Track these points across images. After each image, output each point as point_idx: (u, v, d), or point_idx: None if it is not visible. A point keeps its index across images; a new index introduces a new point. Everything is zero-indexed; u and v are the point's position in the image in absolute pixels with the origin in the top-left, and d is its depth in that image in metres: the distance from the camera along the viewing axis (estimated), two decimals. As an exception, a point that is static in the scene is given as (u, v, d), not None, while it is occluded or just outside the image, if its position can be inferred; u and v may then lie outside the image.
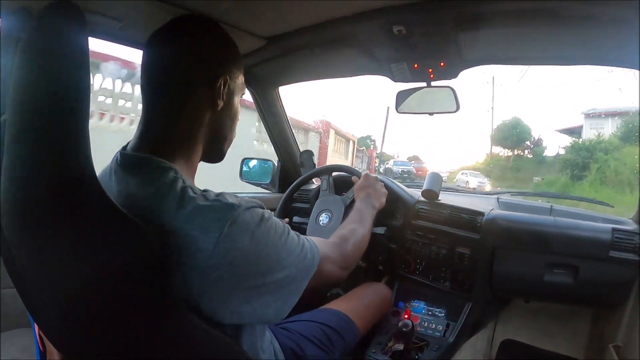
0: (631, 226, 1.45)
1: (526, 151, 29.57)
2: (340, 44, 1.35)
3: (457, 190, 2.34)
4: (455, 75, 1.44)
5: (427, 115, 1.55)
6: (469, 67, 1.42)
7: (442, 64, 1.38)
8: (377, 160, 25.11)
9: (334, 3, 1.13)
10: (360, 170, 1.46)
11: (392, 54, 1.37)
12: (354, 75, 1.65)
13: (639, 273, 1.37)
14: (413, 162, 33.13)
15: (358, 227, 1.08)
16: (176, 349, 0.67)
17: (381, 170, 24.87)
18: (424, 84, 1.50)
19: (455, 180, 22.92)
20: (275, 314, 0.75)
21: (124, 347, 0.64)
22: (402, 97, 1.58)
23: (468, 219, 1.60)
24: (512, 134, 28.38)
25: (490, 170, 27.14)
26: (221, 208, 0.68)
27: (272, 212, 0.78)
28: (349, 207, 1.45)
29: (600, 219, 1.56)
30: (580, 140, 19.45)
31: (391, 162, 28.66)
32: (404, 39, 1.24)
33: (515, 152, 29.48)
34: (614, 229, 1.41)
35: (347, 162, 14.91)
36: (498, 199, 1.89)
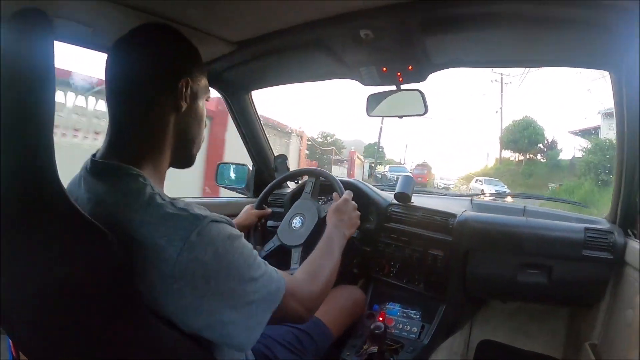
0: (604, 225, 1.46)
1: (539, 155, 27.35)
2: (309, 49, 1.36)
3: (431, 192, 2.37)
4: (424, 79, 1.45)
5: (397, 118, 1.57)
6: (437, 70, 1.43)
7: (410, 67, 1.39)
8: (366, 164, 24.90)
9: (301, 8, 1.14)
10: (345, 190, 1.40)
11: (361, 57, 1.38)
12: (324, 79, 1.65)
13: (612, 271, 1.39)
14: (421, 168, 31.71)
15: (327, 262, 1.02)
16: (141, 354, 0.67)
17: (378, 175, 23.96)
18: (394, 87, 1.51)
19: (469, 189, 20.33)
20: (237, 340, 0.72)
21: (90, 353, 0.64)
22: (372, 100, 1.59)
23: (440, 221, 1.61)
24: (524, 136, 26.28)
25: (500, 177, 24.61)
26: (188, 218, 0.67)
27: (242, 234, 0.76)
28: (321, 220, 1.43)
29: (573, 219, 1.59)
30: (606, 138, 17.17)
31: (387, 167, 27.42)
32: (371, 43, 1.25)
33: (527, 156, 27.29)
34: (586, 228, 1.42)
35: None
36: (472, 200, 1.92)
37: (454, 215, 1.60)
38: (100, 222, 0.60)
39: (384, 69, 1.41)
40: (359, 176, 16.97)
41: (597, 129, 19.57)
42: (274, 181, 1.74)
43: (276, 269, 0.80)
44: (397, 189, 1.73)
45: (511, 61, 1.45)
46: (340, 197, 1.35)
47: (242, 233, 0.76)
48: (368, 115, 1.61)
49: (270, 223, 1.70)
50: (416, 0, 1.06)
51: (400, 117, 1.57)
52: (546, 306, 1.80)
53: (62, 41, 1.16)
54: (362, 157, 25.46)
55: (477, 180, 22.42)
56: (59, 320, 0.62)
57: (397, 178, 1.88)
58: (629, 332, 1.13)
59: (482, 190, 16.56)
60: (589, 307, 1.50)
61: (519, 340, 1.84)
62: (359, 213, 1.30)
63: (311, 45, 1.34)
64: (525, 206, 1.76)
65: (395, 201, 1.76)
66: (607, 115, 18.34)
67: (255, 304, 0.73)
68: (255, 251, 0.77)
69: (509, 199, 2.29)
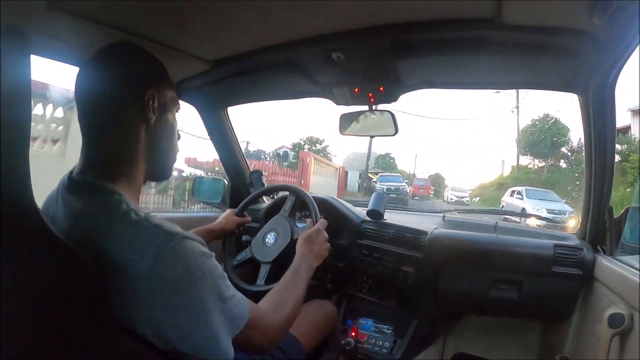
0: (574, 241, 1.50)
1: (562, 161, 22.65)
2: (283, 69, 1.38)
3: (405, 209, 2.41)
4: (395, 99, 1.49)
5: (368, 137, 1.61)
6: (408, 91, 1.47)
7: (381, 88, 1.43)
8: (352, 174, 24.02)
9: (274, 30, 1.17)
10: (320, 217, 1.41)
11: (333, 78, 1.41)
12: (298, 98, 1.68)
13: (582, 286, 1.43)
14: (422, 179, 30.46)
15: (292, 294, 1.03)
16: None
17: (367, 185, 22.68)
18: (366, 107, 1.55)
19: (502, 206, 14.75)
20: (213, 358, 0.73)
21: None
22: (345, 119, 1.63)
23: (411, 238, 1.64)
24: (545, 138, 21.80)
25: (510, 185, 19.26)
26: (160, 234, 0.69)
27: (213, 254, 0.77)
28: (293, 242, 1.42)
29: (544, 235, 1.64)
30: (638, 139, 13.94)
31: (377, 177, 24.34)
32: (343, 65, 1.28)
33: (550, 162, 22.73)
34: (555, 245, 1.47)
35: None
36: (444, 217, 1.95)
37: (425, 233, 1.63)
38: (77, 239, 0.62)
39: (356, 89, 1.44)
40: (322, 186, 15.38)
41: (627, 129, 15.23)
42: (259, 190, 1.74)
43: (243, 296, 0.82)
44: (369, 206, 1.76)
45: (481, 83, 1.49)
46: (314, 224, 1.35)
47: (213, 253, 0.77)
48: (341, 134, 1.64)
49: (244, 238, 1.71)
50: (386, 25, 1.11)
51: (372, 136, 1.60)
52: (520, 320, 1.84)
53: (38, 55, 1.17)
54: (335, 164, 21.35)
55: (514, 192, 15.18)
56: (33, 339, 0.62)
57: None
58: (598, 346, 1.16)
59: (524, 209, 11.98)
60: (560, 321, 1.54)
61: (493, 353, 1.86)
62: (328, 245, 1.30)
63: (284, 65, 1.37)
64: (497, 222, 1.80)
65: (368, 218, 1.78)
66: (637, 112, 15.25)
67: (219, 325, 0.73)
68: (225, 274, 0.78)
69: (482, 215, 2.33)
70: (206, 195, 2.17)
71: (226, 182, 2.12)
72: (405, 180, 27.03)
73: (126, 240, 0.68)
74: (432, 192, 29.77)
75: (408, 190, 20.44)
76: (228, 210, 1.64)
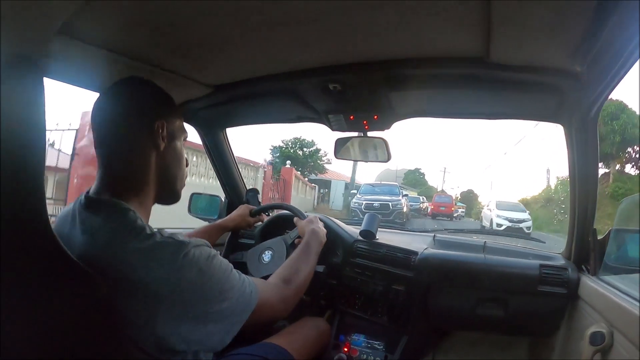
0: (559, 262, 1.55)
1: (629, 165, 15.78)
2: (281, 96, 1.45)
3: (397, 229, 2.44)
4: (388, 127, 1.56)
5: (363, 162, 1.67)
6: (400, 120, 1.54)
7: (375, 116, 1.49)
8: (338, 186, 22.58)
9: (275, 60, 1.23)
10: (306, 214, 1.54)
11: (329, 106, 1.48)
12: (295, 122, 1.74)
13: (567, 305, 1.47)
14: (443, 196, 26.36)
15: (303, 265, 1.17)
16: None
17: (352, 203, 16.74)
18: (361, 134, 1.61)
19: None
20: (218, 341, 0.84)
21: None
22: (340, 143, 1.69)
23: (402, 257, 1.68)
24: (612, 131, 14.94)
25: (563, 202, 14.48)
26: (174, 244, 0.79)
27: (219, 252, 0.87)
28: (290, 247, 1.52)
29: (531, 255, 1.68)
30: None
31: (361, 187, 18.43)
32: (339, 94, 1.34)
33: (616, 167, 16.04)
34: (541, 265, 1.51)
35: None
36: (434, 237, 1.98)
37: (415, 253, 1.67)
38: (95, 252, 0.69)
39: (351, 117, 1.51)
40: (300, 202, 15.11)
41: None
42: (277, 203, 1.79)
43: (249, 277, 0.92)
44: (362, 227, 1.80)
45: (471, 114, 1.56)
46: (302, 221, 1.49)
47: (218, 252, 0.88)
48: (335, 157, 1.71)
49: (234, 257, 1.75)
50: (381, 61, 1.18)
51: (366, 161, 1.66)
52: (508, 335, 1.86)
53: (50, 78, 1.21)
54: (310, 184, 19.91)
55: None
56: (47, 351, 0.66)
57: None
58: None
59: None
60: (546, 337, 1.57)
61: None
62: (325, 230, 1.45)
63: (283, 93, 1.43)
64: (485, 242, 1.82)
65: (360, 238, 1.83)
66: None
67: (232, 308, 0.85)
68: (231, 265, 0.89)
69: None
70: (203, 211, 2.19)
71: (223, 199, 2.16)
72: (422, 198, 24.64)
73: (144, 250, 0.76)
74: (463, 211, 25.87)
75: (404, 208, 14.65)
76: (242, 208, 1.73)
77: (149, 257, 0.76)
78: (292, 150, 27.49)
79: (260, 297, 0.91)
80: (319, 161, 28.44)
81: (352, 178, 22.18)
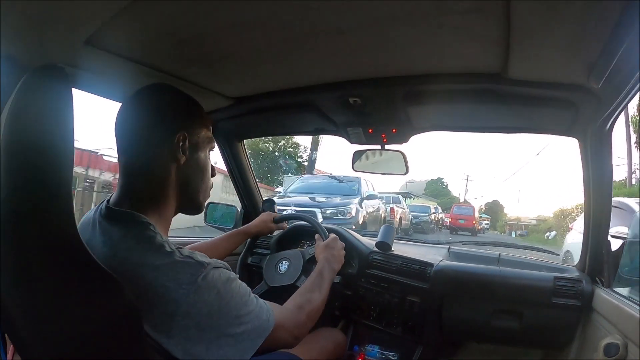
0: (573, 274, 1.54)
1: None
2: (300, 108, 1.47)
3: (412, 240, 2.43)
4: (406, 140, 1.57)
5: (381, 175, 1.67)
6: (418, 133, 1.55)
7: (394, 130, 1.51)
8: None
9: (295, 74, 1.26)
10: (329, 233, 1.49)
11: (348, 119, 1.49)
12: (313, 134, 1.78)
13: (581, 317, 1.46)
14: (462, 207, 22.68)
15: (316, 295, 1.12)
16: None
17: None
18: (379, 147, 1.62)
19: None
20: None
21: None
22: (357, 156, 1.71)
23: (418, 269, 1.68)
24: None
25: None
26: (194, 264, 0.77)
27: (237, 275, 0.85)
28: (307, 262, 1.52)
29: (545, 268, 1.67)
30: None
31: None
32: (359, 108, 1.36)
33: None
34: (555, 277, 1.50)
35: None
36: (449, 249, 1.98)
37: (431, 265, 1.67)
38: (114, 264, 0.69)
39: (370, 130, 1.52)
40: None
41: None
42: (303, 215, 1.79)
43: (266, 302, 0.90)
44: (378, 238, 1.81)
45: (487, 128, 1.57)
46: (323, 239, 1.44)
47: (237, 275, 0.85)
48: (353, 169, 1.72)
49: (253, 259, 1.78)
50: (400, 76, 1.19)
51: (383, 174, 1.67)
52: (521, 347, 1.85)
53: (78, 89, 1.25)
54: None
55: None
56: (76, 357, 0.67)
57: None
58: None
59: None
60: (559, 349, 1.56)
61: None
62: (344, 252, 1.39)
63: (303, 105, 1.45)
64: (500, 254, 1.83)
65: (376, 249, 1.83)
66: None
67: (248, 334, 0.82)
68: (249, 289, 0.86)
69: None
70: (219, 220, 2.22)
71: (239, 209, 2.18)
72: (433, 207, 20.98)
73: (163, 269, 0.75)
74: (487, 223, 22.73)
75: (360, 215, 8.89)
76: (265, 215, 1.71)
77: (168, 276, 0.75)
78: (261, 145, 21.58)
79: (276, 323, 0.88)
80: (296, 158, 22.91)
81: (310, 162, 13.16)
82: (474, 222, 21.10)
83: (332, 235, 1.44)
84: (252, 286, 1.49)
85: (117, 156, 0.89)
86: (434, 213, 20.13)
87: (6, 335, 0.85)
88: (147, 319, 0.72)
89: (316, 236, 1.52)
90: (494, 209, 34.62)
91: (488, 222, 25.45)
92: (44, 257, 0.61)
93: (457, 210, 21.55)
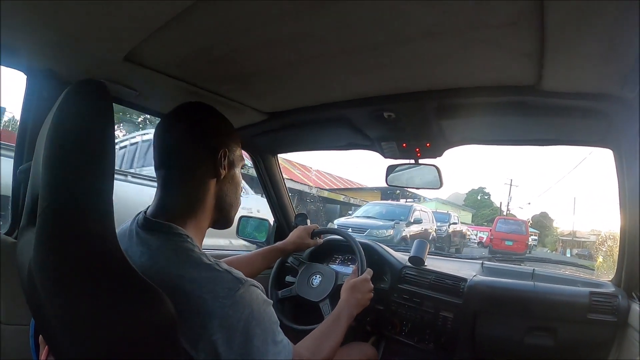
0: (609, 289, 1.49)
1: None
2: (334, 123, 1.48)
3: (445, 255, 2.39)
4: (440, 154, 1.55)
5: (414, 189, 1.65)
6: (452, 147, 1.53)
7: (428, 144, 1.49)
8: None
9: (329, 89, 1.27)
10: (366, 268, 1.43)
11: (383, 134, 1.49)
12: (346, 149, 1.76)
13: (617, 333, 1.40)
14: (510, 223, 15.84)
15: (331, 339, 1.08)
16: None
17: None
18: (412, 161, 1.60)
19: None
20: None
21: None
22: (391, 170, 1.70)
23: (451, 284, 1.65)
24: None
25: None
26: (232, 279, 0.78)
27: (272, 302, 0.85)
28: (336, 287, 1.52)
29: (580, 283, 1.62)
30: None
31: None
32: (393, 122, 1.36)
33: None
34: (591, 292, 1.45)
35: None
36: (482, 264, 1.94)
37: (464, 280, 1.64)
38: (152, 274, 0.69)
39: (404, 144, 1.51)
40: None
41: None
42: (345, 232, 1.74)
43: (289, 341, 0.87)
44: (411, 253, 1.79)
45: (521, 140, 1.53)
46: (359, 272, 1.40)
47: (271, 301, 0.85)
48: (387, 184, 1.71)
49: (288, 278, 1.79)
50: (434, 90, 1.18)
51: (417, 188, 1.65)
52: None
53: (116, 102, 1.31)
54: None
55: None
56: None
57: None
58: None
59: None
60: None
61: None
62: (372, 295, 1.33)
63: (337, 120, 1.46)
64: (534, 269, 1.78)
65: (409, 264, 1.81)
66: None
67: None
68: (277, 320, 0.85)
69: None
70: (251, 234, 2.24)
71: (271, 223, 2.20)
72: (452, 216, 16.11)
73: (201, 281, 0.76)
74: (535, 239, 17.86)
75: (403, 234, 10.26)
76: (300, 230, 1.65)
77: (206, 288, 0.75)
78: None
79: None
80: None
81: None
82: (524, 246, 14.88)
83: (366, 274, 1.37)
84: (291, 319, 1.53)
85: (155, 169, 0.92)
86: (453, 223, 15.38)
87: (40, 336, 0.88)
88: (181, 330, 0.73)
89: (354, 267, 1.50)
90: (541, 223, 30.40)
91: (536, 237, 21.62)
92: (85, 265, 0.62)
93: (502, 227, 15.54)
